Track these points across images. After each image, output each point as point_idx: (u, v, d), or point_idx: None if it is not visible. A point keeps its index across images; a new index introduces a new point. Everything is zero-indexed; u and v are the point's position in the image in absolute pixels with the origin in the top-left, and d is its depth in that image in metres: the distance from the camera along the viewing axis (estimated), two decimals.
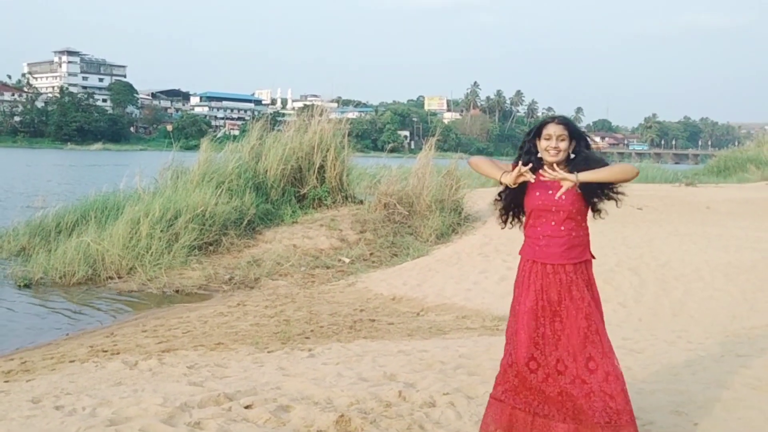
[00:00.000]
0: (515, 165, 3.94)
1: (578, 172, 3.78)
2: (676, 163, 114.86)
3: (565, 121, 3.95)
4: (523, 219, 4.09)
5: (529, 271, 3.93)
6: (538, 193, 3.90)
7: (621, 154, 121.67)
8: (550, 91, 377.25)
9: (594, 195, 3.90)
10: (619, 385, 3.77)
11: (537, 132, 3.96)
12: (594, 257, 4.01)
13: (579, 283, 3.86)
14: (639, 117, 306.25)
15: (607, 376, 3.75)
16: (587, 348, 3.77)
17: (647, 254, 11.80)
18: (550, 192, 3.87)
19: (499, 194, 4.11)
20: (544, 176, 3.82)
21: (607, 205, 4.01)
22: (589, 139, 4.05)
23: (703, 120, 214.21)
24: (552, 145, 3.88)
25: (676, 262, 11.21)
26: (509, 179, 3.84)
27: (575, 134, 3.94)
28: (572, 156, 3.93)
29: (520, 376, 3.84)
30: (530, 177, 3.83)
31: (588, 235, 3.99)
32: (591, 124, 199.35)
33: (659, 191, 24.99)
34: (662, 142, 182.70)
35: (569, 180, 3.74)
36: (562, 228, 3.88)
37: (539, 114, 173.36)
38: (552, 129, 3.90)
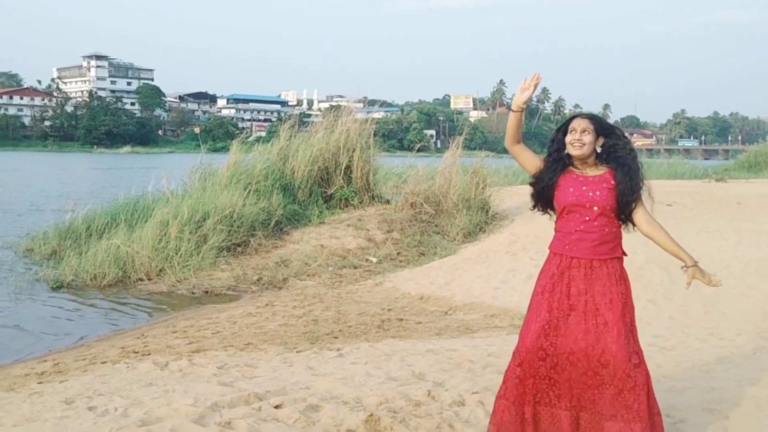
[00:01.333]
0: (545, 160, 4.02)
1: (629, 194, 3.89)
2: (706, 158, 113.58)
3: (590, 116, 3.96)
4: (553, 214, 4.10)
5: (554, 265, 3.93)
6: (572, 189, 3.91)
7: (650, 150, 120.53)
8: (577, 89, 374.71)
9: (627, 202, 3.89)
10: (634, 380, 3.71)
11: (564, 128, 3.98)
12: (626, 254, 3.99)
13: (606, 279, 3.84)
14: (668, 113, 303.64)
15: (620, 370, 3.70)
16: (601, 342, 3.74)
17: None
18: (584, 188, 3.89)
19: (532, 183, 4.11)
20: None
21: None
22: (621, 135, 4.01)
23: (733, 115, 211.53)
24: (576, 137, 3.89)
25: (706, 258, 11.05)
26: (519, 97, 3.94)
27: (603, 130, 3.93)
28: (599, 151, 3.93)
29: (524, 366, 3.81)
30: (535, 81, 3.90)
31: (620, 232, 3.98)
32: (619, 120, 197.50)
33: (688, 187, 24.76)
34: (691, 137, 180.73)
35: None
36: (596, 223, 3.88)
37: (566, 111, 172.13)
38: (577, 123, 3.92)
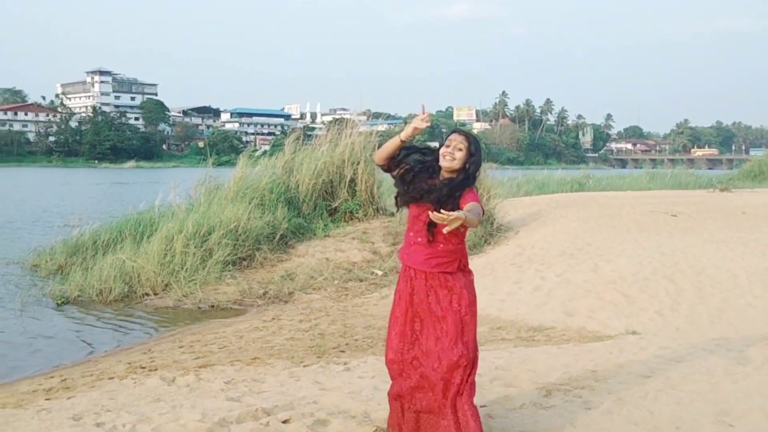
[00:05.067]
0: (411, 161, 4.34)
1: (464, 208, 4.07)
2: (710, 168, 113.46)
3: (466, 134, 4.29)
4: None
5: (403, 275, 4.33)
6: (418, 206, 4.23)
7: (653, 160, 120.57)
8: (580, 99, 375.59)
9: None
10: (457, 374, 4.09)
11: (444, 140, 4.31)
12: (464, 269, 4.32)
13: (438, 290, 4.18)
14: (671, 122, 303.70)
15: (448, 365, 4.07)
16: (438, 347, 4.12)
17: (683, 261, 11.66)
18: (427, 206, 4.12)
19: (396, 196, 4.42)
20: (433, 218, 3.90)
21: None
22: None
23: (736, 124, 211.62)
24: (449, 151, 4.20)
25: (712, 269, 11.07)
26: (409, 129, 4.18)
27: (474, 150, 4.24)
28: (467, 167, 4.22)
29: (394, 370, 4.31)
30: (424, 123, 4.16)
31: (460, 250, 4.28)
32: (622, 131, 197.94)
33: (693, 197, 24.74)
34: (694, 147, 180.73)
35: (459, 218, 3.84)
36: (430, 238, 4.20)
37: (569, 122, 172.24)
38: (453, 137, 4.26)
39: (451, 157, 4.18)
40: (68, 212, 19.08)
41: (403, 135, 4.19)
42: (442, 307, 4.14)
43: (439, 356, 4.09)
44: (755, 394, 5.26)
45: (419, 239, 4.21)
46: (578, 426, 4.64)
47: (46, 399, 6.40)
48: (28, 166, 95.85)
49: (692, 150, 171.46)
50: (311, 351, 7.97)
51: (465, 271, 4.32)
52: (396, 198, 4.39)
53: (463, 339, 4.11)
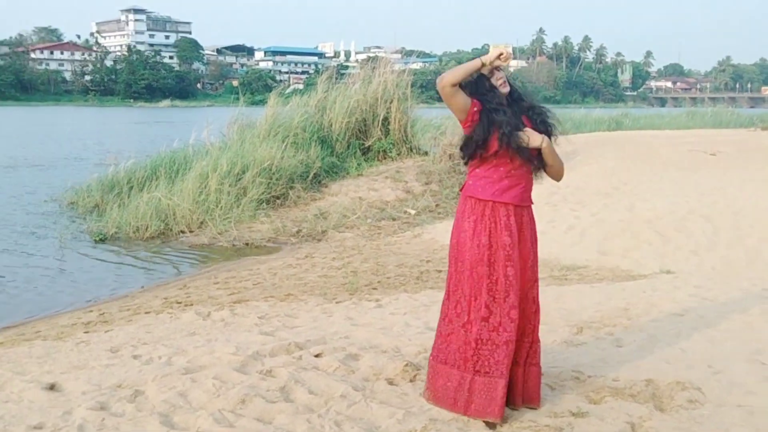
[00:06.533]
0: (480, 113, 3.74)
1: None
2: (752, 107, 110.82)
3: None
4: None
5: (486, 215, 3.72)
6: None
7: (693, 98, 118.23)
8: (619, 36, 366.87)
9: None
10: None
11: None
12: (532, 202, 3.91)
13: (525, 228, 3.78)
14: (712, 60, 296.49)
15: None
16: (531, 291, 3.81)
17: (720, 201, 11.49)
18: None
19: (467, 140, 3.79)
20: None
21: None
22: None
23: None
24: (500, 75, 3.79)
25: (750, 208, 10.89)
26: (491, 56, 3.75)
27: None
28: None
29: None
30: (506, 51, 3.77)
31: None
32: (662, 68, 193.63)
33: (733, 136, 24.28)
34: (737, 85, 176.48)
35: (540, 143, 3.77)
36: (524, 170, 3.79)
37: (608, 60, 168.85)
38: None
39: (504, 81, 3.79)
40: (105, 151, 19.24)
41: (489, 61, 3.73)
42: (527, 247, 3.74)
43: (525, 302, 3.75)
44: None
45: (513, 171, 3.71)
46: (609, 363, 4.63)
47: (85, 332, 6.55)
48: (66, 105, 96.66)
49: (763, 88, 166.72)
50: (344, 288, 8.04)
51: None
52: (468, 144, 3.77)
53: (536, 279, 3.82)
